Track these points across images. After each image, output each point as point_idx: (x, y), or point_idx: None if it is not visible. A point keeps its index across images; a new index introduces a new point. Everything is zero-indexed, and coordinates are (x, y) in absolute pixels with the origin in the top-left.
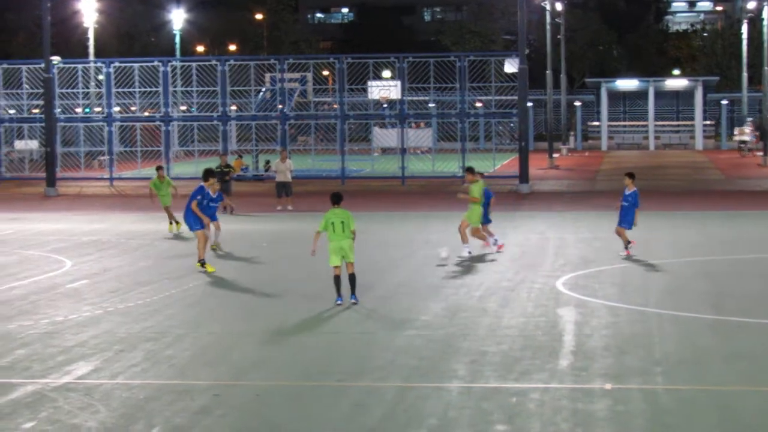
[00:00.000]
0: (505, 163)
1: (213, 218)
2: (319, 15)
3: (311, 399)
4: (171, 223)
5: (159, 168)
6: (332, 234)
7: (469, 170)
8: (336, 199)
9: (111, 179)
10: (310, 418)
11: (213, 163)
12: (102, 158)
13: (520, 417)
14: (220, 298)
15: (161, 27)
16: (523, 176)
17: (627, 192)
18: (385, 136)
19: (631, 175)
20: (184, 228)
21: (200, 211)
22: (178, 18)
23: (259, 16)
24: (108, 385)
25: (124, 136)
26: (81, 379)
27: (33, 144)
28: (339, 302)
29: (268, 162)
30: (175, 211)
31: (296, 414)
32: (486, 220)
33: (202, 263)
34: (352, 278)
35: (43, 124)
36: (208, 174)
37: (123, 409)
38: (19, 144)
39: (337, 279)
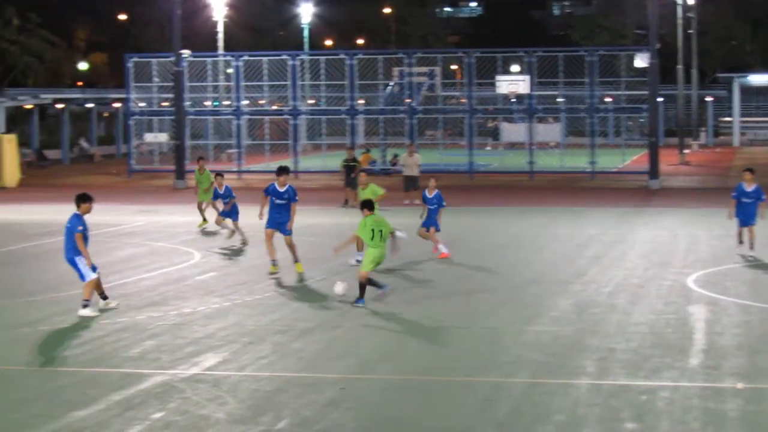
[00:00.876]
0: (635, 158)
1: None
2: (447, 9)
3: (438, 393)
4: (205, 219)
5: (200, 159)
6: (378, 242)
7: (365, 171)
8: (371, 207)
9: (239, 172)
10: (437, 412)
11: (341, 156)
12: (230, 151)
13: (649, 415)
14: (347, 291)
15: (290, 21)
16: (653, 172)
17: (748, 189)
18: (513, 131)
19: (751, 170)
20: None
21: (266, 208)
22: (306, 12)
23: (387, 10)
24: (236, 376)
25: (253, 130)
26: (209, 370)
27: (162, 137)
28: (362, 304)
29: (396, 156)
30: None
31: (423, 408)
32: (434, 224)
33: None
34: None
35: (172, 117)
36: (280, 170)
37: (251, 401)
38: (148, 137)
39: (368, 281)
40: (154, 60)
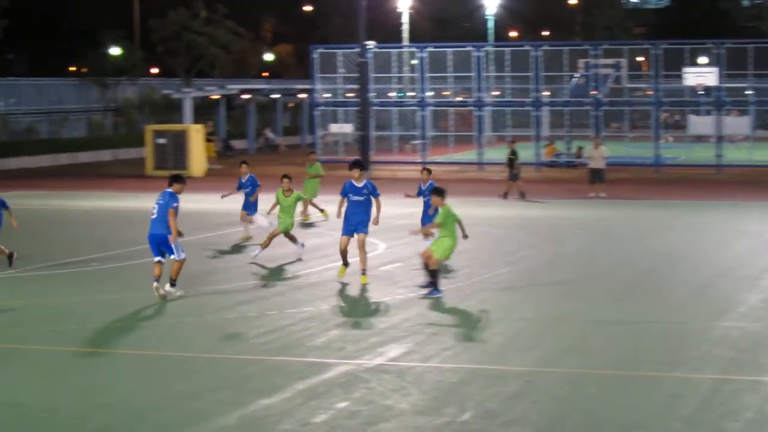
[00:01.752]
0: None
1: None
2: (633, 0)
3: (624, 388)
4: (322, 210)
5: (311, 153)
6: (454, 232)
7: (286, 177)
8: (445, 195)
9: (423, 163)
10: (623, 407)
11: (525, 148)
12: (415, 142)
13: None
14: (533, 283)
15: (474, 12)
16: None
17: None
18: (700, 123)
19: None
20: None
21: (344, 208)
22: (491, 3)
23: (573, 1)
24: (420, 367)
25: (437, 121)
26: (393, 361)
27: (347, 127)
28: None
29: (580, 148)
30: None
31: (609, 403)
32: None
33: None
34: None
35: (357, 108)
36: (353, 164)
37: (435, 392)
38: (333, 127)
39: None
40: (339, 51)
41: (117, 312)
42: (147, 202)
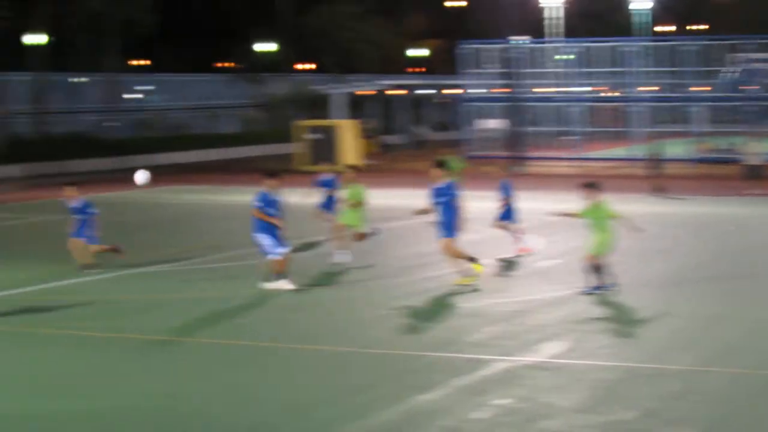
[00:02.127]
0: None
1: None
2: None
3: None
4: None
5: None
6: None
7: (353, 167)
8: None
9: (576, 159)
10: None
11: (680, 144)
12: (567, 138)
13: None
14: (689, 280)
15: (624, 6)
16: None
17: None
18: None
19: None
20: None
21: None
22: None
23: None
24: (579, 365)
25: (590, 116)
26: (551, 358)
27: (498, 123)
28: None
29: (734, 144)
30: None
31: None
32: (510, 216)
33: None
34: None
35: (506, 104)
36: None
37: (595, 390)
38: (487, 123)
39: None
40: (488, 46)
41: (272, 305)
42: (295, 198)
